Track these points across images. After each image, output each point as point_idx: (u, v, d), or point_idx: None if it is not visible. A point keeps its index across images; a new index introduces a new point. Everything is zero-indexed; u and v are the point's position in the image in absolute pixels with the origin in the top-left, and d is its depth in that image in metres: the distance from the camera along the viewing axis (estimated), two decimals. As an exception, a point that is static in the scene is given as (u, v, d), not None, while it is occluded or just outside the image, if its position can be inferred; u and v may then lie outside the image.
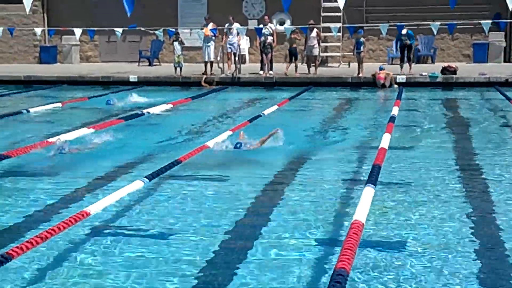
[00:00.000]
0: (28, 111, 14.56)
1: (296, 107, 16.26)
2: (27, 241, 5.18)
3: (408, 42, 20.82)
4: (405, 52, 21.14)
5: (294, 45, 21.72)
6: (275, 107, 15.16)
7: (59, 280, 5.28)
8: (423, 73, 20.59)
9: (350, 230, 5.28)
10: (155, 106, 15.21)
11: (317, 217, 6.84)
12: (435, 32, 21.51)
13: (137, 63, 26.19)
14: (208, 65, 21.94)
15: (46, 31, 27.27)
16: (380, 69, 20.54)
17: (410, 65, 21.19)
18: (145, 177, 7.56)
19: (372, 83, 20.10)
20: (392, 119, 12.22)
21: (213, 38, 21.84)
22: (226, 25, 21.87)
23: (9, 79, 22.33)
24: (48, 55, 27.57)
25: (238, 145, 9.85)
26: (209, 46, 21.81)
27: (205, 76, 21.22)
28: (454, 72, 20.45)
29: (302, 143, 10.99)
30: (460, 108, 15.98)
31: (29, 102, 17.36)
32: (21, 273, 5.36)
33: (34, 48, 28.22)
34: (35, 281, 5.29)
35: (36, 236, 5.29)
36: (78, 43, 27.17)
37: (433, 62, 24.94)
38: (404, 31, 20.79)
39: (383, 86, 19.86)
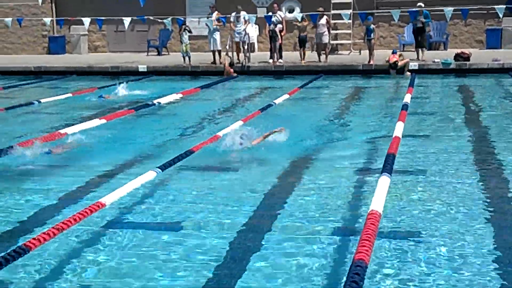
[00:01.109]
0: (39, 102, 14.55)
1: (307, 95, 16.15)
2: (43, 233, 5.20)
3: (423, 20, 20.44)
4: (419, 37, 20.81)
5: (304, 33, 21.57)
6: (286, 96, 15.07)
7: (75, 271, 5.27)
8: (436, 60, 20.40)
9: (367, 221, 5.22)
10: (164, 96, 15.15)
11: (332, 208, 6.78)
12: (448, 18, 21.28)
13: (146, 53, 26.11)
14: (216, 54, 21.84)
15: (55, 21, 27.21)
16: (393, 52, 20.33)
17: (422, 51, 20.93)
18: (158, 167, 7.53)
19: (384, 71, 19.91)
20: (405, 107, 12.12)
21: (218, 27, 21.70)
22: (233, 13, 21.75)
23: (19, 70, 22.30)
24: (56, 45, 27.51)
25: (241, 141, 9.42)
26: (214, 35, 21.72)
27: (224, 62, 21.00)
28: (468, 58, 20.24)
29: (314, 133, 10.90)
30: (474, 95, 15.82)
31: (40, 93, 17.33)
32: (38, 264, 5.35)
33: (43, 38, 28.17)
34: (51, 271, 5.28)
35: (53, 228, 5.31)
36: (87, 33, 27.11)
37: (445, 48, 24.70)
38: (419, 9, 20.40)
39: (394, 66, 19.60)
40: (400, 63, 19.54)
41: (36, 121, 12.74)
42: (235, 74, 20.39)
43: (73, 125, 11.29)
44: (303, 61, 21.35)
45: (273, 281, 5.03)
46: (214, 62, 21.76)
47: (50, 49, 27.72)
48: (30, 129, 11.59)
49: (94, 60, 23.82)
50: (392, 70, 19.67)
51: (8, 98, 16.14)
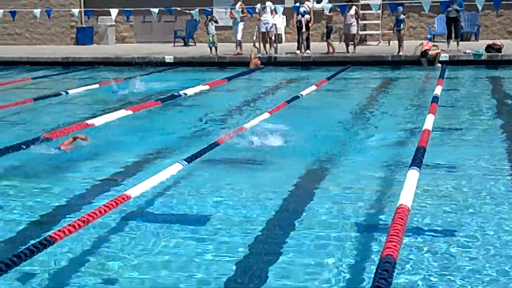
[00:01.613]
0: (66, 93, 14.59)
1: (335, 87, 16.00)
2: (69, 225, 5.18)
3: (458, 8, 20.08)
4: (452, 27, 20.47)
5: (331, 24, 21.37)
6: (313, 87, 14.93)
7: (99, 263, 5.25)
8: (467, 51, 20.07)
9: (396, 215, 5.12)
10: (191, 87, 15.09)
11: (360, 202, 6.67)
12: (480, 8, 20.90)
13: (172, 44, 26.11)
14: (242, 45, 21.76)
15: (83, 12, 27.32)
16: (427, 39, 20.00)
17: (457, 42, 20.58)
18: (184, 160, 7.47)
19: (413, 62, 19.64)
20: (435, 99, 11.92)
21: (240, 18, 21.58)
22: (259, 4, 21.61)
23: (47, 61, 22.44)
24: (84, 36, 27.64)
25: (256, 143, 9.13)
26: (237, 26, 21.62)
27: (253, 53, 20.88)
28: (499, 50, 19.88)
29: (342, 125, 10.78)
30: (506, 87, 15.53)
31: (67, 84, 17.40)
32: (63, 256, 5.33)
33: (71, 29, 28.32)
34: (76, 263, 5.26)
35: (78, 220, 5.29)
36: (114, 23, 27.19)
37: (476, 39, 24.33)
38: None
39: (424, 54, 19.32)
40: (430, 52, 19.22)
41: (63, 112, 12.78)
42: (261, 66, 20.27)
43: (99, 116, 11.29)
44: (331, 53, 21.16)
45: (299, 277, 4.95)
46: (240, 52, 21.66)
47: (78, 40, 27.87)
48: (57, 120, 11.63)
49: (121, 50, 23.87)
50: (422, 58, 19.37)
51: (36, 88, 16.22)
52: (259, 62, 20.31)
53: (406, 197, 5.63)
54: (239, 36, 21.71)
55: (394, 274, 4.21)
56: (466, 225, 5.94)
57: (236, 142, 9.03)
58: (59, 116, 12.16)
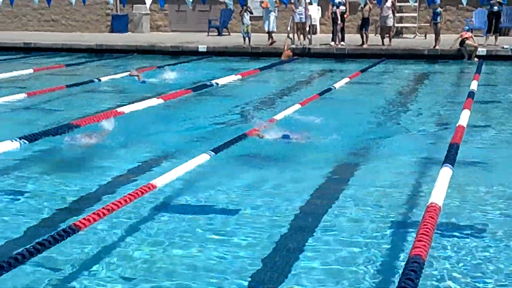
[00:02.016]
0: (99, 80, 14.63)
1: (369, 80, 15.81)
2: (93, 213, 5.12)
3: (501, 1, 19.65)
4: (493, 21, 20.04)
5: (367, 16, 21.11)
6: (346, 79, 14.75)
7: (123, 252, 5.22)
8: (505, 46, 19.66)
9: (426, 214, 4.99)
10: (223, 77, 15.02)
11: (390, 199, 6.56)
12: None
13: (206, 33, 26.08)
14: (273, 35, 21.61)
15: (118, 0, 27.41)
16: (466, 30, 19.67)
17: (496, 37, 20.18)
18: (212, 150, 7.39)
19: (450, 56, 19.31)
20: (471, 94, 11.67)
21: (271, 9, 21.43)
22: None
23: (82, 48, 22.58)
24: (119, 24, 27.74)
25: (285, 137, 8.82)
26: (269, 16, 21.47)
27: (287, 45, 20.73)
28: (538, 45, 19.47)
29: (374, 119, 10.63)
30: (544, 83, 15.20)
31: (101, 71, 17.47)
32: (86, 245, 5.31)
33: (106, 17, 28.45)
34: (99, 252, 5.24)
35: (103, 208, 5.24)
36: (149, 12, 27.24)
37: (515, 34, 23.88)
38: None
39: (462, 43, 19.03)
40: (467, 42, 18.89)
41: (94, 99, 12.83)
42: (295, 57, 20.12)
43: (130, 103, 11.27)
44: (364, 45, 20.92)
45: (325, 275, 4.85)
46: (272, 43, 21.54)
47: (113, 28, 27.98)
48: (87, 107, 11.67)
49: (155, 39, 23.91)
50: (461, 47, 19.04)
51: (70, 75, 16.29)
52: (291, 53, 20.15)
53: (438, 195, 5.48)
54: (271, 27, 21.55)
55: (422, 274, 4.07)
56: (498, 226, 5.77)
57: (265, 133, 8.92)
58: (90, 103, 12.22)
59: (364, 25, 21.04)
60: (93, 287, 4.66)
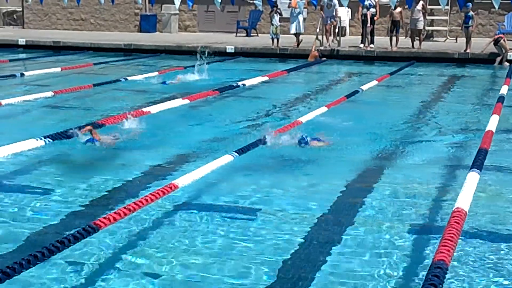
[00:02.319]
0: (126, 79, 14.68)
1: (397, 83, 15.67)
2: (114, 212, 5.13)
3: None
4: None
5: (397, 18, 20.91)
6: (374, 82, 14.64)
7: (143, 252, 5.18)
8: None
9: (451, 219, 4.95)
10: (250, 78, 14.98)
11: (416, 203, 6.47)
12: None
13: (235, 34, 26.07)
14: (300, 37, 21.49)
15: (147, 0, 27.52)
16: (500, 33, 19.42)
17: None
18: (235, 151, 7.34)
19: (480, 60, 19.06)
20: (501, 99, 11.50)
21: (298, 10, 21.30)
22: (324, -3, 21.34)
23: (110, 47, 22.69)
24: (148, 23, 27.84)
25: (303, 141, 8.52)
26: (297, 18, 21.36)
27: (314, 46, 20.61)
28: None
29: (401, 123, 10.50)
30: None
31: (128, 71, 17.55)
32: (107, 244, 5.29)
33: (135, 16, 28.57)
34: (119, 251, 5.21)
35: (124, 208, 5.25)
36: (177, 12, 27.31)
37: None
38: None
39: (495, 42, 18.79)
40: (501, 42, 18.63)
41: (120, 98, 12.85)
42: (323, 58, 20.00)
43: (157, 103, 11.29)
44: (393, 48, 20.74)
45: (348, 280, 4.77)
46: (298, 44, 21.45)
47: (141, 27, 28.10)
48: (114, 107, 11.70)
49: (183, 39, 23.96)
50: (495, 45, 18.86)
51: (97, 74, 16.40)
52: (317, 54, 20.00)
53: (464, 201, 5.42)
54: (299, 28, 21.40)
55: (445, 280, 3.99)
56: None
57: (290, 135, 8.83)
58: (116, 103, 12.24)
59: (394, 28, 20.84)
60: (112, 286, 4.61)
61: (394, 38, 20.81)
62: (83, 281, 4.70)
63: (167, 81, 14.85)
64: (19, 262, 4.13)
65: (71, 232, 4.74)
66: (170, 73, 14.94)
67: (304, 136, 8.58)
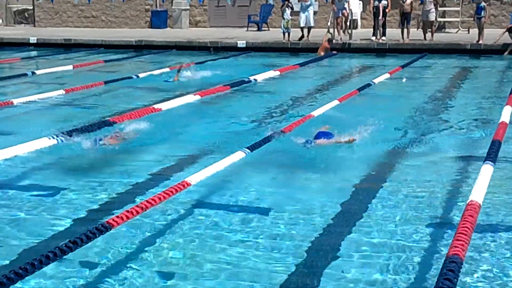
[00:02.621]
0: (137, 76, 14.68)
1: (409, 75, 15.59)
2: (126, 211, 5.11)
3: None
4: None
5: (408, 10, 20.78)
6: (387, 75, 14.58)
7: (156, 250, 5.17)
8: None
9: (465, 212, 4.91)
10: (262, 73, 14.94)
11: (429, 197, 6.42)
12: None
13: (246, 28, 26.03)
14: (305, 30, 21.41)
15: (158, -4, 27.59)
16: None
17: None
18: (247, 148, 7.31)
19: (493, 51, 18.92)
20: (515, 90, 11.42)
21: (309, 3, 21.24)
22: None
23: (121, 44, 22.72)
24: (158, 19, 27.86)
25: (309, 141, 8.14)
26: (307, 10, 21.29)
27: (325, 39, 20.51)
28: None
29: (414, 115, 10.44)
30: None
31: (139, 67, 17.56)
32: (120, 242, 5.26)
33: (146, 12, 28.61)
34: (133, 250, 5.19)
35: (136, 206, 5.23)
36: (188, 7, 27.32)
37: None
38: None
39: (510, 30, 18.67)
40: None
41: (132, 95, 12.84)
42: (333, 51, 19.93)
43: (168, 100, 11.27)
44: (405, 40, 20.62)
45: (360, 275, 4.74)
46: (301, 37, 21.39)
47: (152, 23, 28.13)
48: (125, 104, 11.71)
49: (195, 35, 23.95)
50: (510, 33, 18.73)
51: (108, 71, 16.42)
52: (328, 45, 19.88)
53: (478, 193, 5.37)
54: (309, 22, 21.34)
55: (460, 274, 3.96)
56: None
57: (303, 130, 8.79)
58: (128, 100, 12.24)
59: (404, 20, 20.72)
60: (125, 285, 4.61)
61: (405, 30, 20.69)
62: (94, 280, 4.69)
63: (177, 77, 14.83)
64: (31, 262, 4.12)
65: (83, 231, 4.73)
66: (181, 69, 14.87)
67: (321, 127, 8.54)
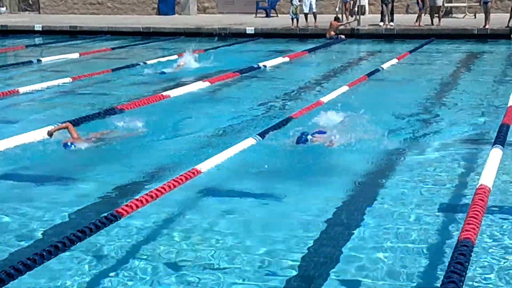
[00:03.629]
0: (145, 63, 14.66)
1: (417, 60, 15.57)
2: (136, 199, 5.11)
3: None
4: None
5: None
6: (395, 60, 14.55)
7: (167, 238, 5.18)
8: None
9: (476, 196, 4.94)
10: (270, 59, 14.92)
11: (439, 182, 6.42)
12: None
13: (254, 14, 25.94)
14: (311, 16, 21.31)
15: (165, -18, 27.45)
16: None
17: None
18: (258, 134, 7.30)
19: (500, 35, 18.83)
20: (523, 74, 11.38)
21: None
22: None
23: (129, 31, 22.63)
24: (166, 6, 27.74)
25: (303, 138, 7.69)
26: None
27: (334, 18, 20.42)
28: None
29: (422, 100, 10.42)
30: None
31: (147, 54, 17.53)
32: (130, 231, 5.25)
33: (153, -1, 28.53)
34: (143, 238, 5.18)
35: (146, 195, 5.22)
36: (196, -6, 27.23)
37: None
38: None
39: None
40: None
41: (140, 82, 12.79)
42: (342, 36, 19.86)
43: (176, 87, 11.26)
44: (417, 24, 20.53)
45: (373, 257, 4.75)
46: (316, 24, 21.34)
47: (159, 10, 28.01)
48: (133, 91, 11.67)
49: (203, 21, 23.87)
50: None
51: (116, 59, 16.40)
52: (337, 23, 19.78)
53: (487, 177, 5.39)
54: (312, 7, 21.22)
55: (471, 258, 3.99)
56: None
57: (312, 116, 8.76)
58: (135, 87, 12.22)
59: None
60: (135, 273, 4.58)
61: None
62: (104, 269, 4.67)
63: (186, 64, 14.80)
64: (40, 253, 4.11)
65: (93, 221, 4.71)
66: (189, 56, 14.83)
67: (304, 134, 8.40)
